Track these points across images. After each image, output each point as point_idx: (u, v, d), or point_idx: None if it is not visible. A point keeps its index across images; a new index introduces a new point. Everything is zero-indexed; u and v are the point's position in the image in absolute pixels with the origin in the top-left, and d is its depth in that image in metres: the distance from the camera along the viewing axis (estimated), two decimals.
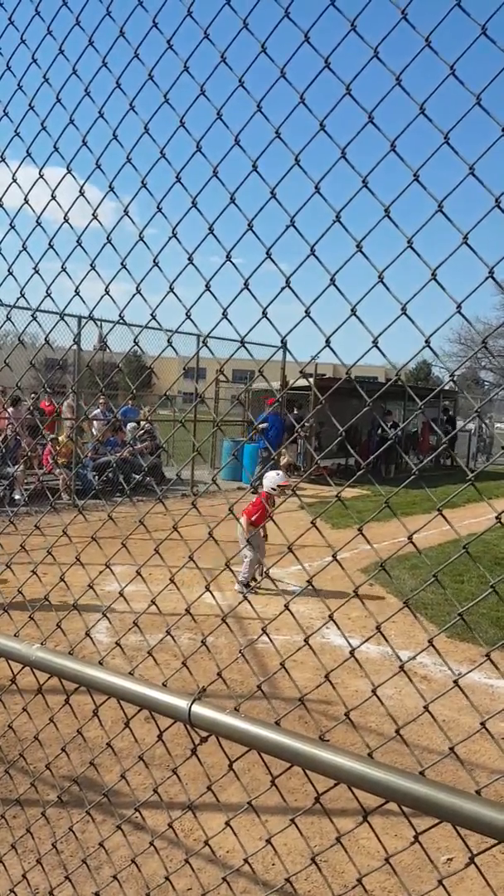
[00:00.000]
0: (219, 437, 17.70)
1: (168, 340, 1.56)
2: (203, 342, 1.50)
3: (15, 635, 1.83)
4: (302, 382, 18.49)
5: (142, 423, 15.26)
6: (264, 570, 7.95)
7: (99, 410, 15.13)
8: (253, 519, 7.88)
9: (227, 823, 1.54)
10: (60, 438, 13.90)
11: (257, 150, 1.46)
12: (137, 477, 13.92)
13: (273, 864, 3.42)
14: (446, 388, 25.37)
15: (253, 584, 8.07)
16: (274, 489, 7.98)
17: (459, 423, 27.48)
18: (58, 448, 13.12)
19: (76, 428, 14.00)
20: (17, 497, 11.77)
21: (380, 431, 20.11)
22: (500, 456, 1.18)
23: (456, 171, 1.20)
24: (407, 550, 9.56)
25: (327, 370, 21.96)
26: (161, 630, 1.68)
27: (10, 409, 11.99)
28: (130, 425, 15.61)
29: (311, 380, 15.48)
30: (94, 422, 15.24)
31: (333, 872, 3.39)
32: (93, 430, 15.59)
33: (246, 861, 1.55)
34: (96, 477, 13.22)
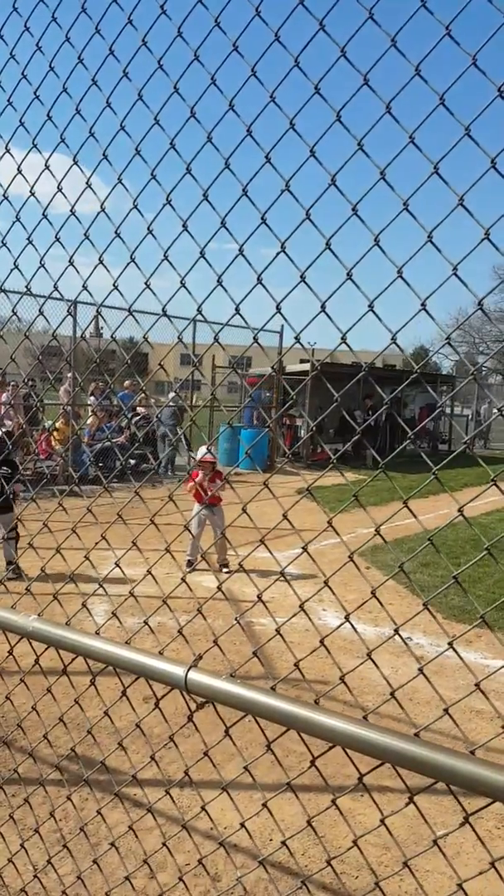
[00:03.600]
0: (216, 422, 17.71)
1: (163, 310, 1.55)
2: (198, 311, 1.49)
3: (13, 607, 1.84)
4: (298, 368, 18.47)
5: (139, 409, 15.27)
6: (223, 553, 8.03)
7: (93, 398, 15.14)
8: (192, 495, 7.98)
9: (224, 789, 1.55)
10: (57, 424, 13.92)
11: (268, 138, 1.45)
12: (133, 462, 13.97)
13: (271, 840, 3.45)
14: (443, 373, 25.34)
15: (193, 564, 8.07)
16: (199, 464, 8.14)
17: (458, 409, 27.52)
18: (55, 434, 13.13)
19: (72, 412, 13.99)
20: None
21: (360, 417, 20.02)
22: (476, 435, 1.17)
23: (452, 132, 1.19)
24: (403, 534, 9.59)
25: (324, 356, 21.92)
26: (160, 612, 1.70)
27: (5, 395, 11.98)
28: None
29: (306, 365, 15.45)
30: (90, 408, 15.26)
31: (332, 848, 3.42)
32: (89, 416, 15.62)
33: (243, 825, 1.57)
34: (93, 462, 13.23)
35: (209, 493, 7.45)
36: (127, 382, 15.54)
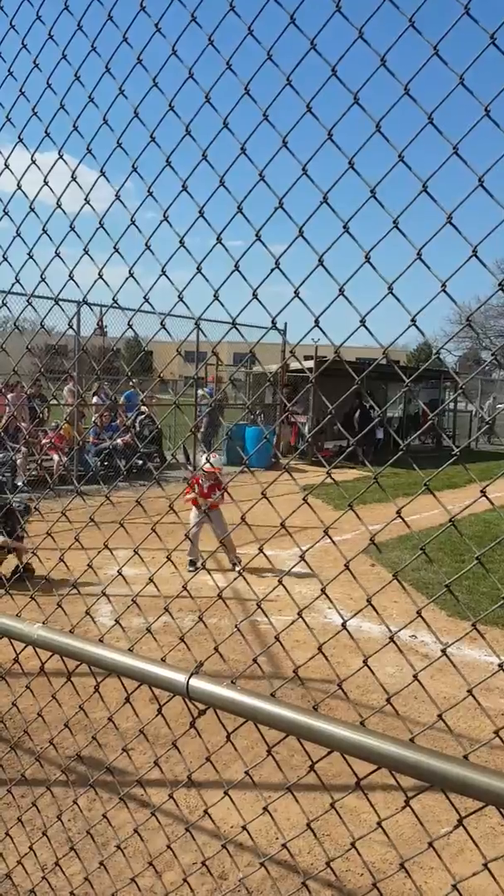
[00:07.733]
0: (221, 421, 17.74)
1: (161, 323, 1.58)
2: (196, 324, 1.52)
3: (17, 615, 1.87)
4: (300, 365, 18.46)
5: (142, 408, 15.33)
6: (231, 551, 8.06)
7: (97, 398, 15.18)
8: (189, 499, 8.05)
9: (226, 793, 1.59)
10: (63, 425, 13.96)
11: (247, 133, 1.48)
12: (140, 462, 14.01)
13: (277, 838, 3.48)
14: (443, 369, 25.30)
15: (199, 562, 8.08)
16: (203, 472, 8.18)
17: (461, 405, 27.50)
18: (61, 434, 13.18)
19: (77, 413, 14.03)
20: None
21: (357, 415, 19.96)
22: (480, 432, 1.20)
23: (440, 151, 1.22)
24: (405, 531, 9.61)
25: (328, 352, 21.92)
26: (165, 612, 1.72)
27: (10, 395, 12.03)
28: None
29: (311, 362, 15.48)
30: (95, 407, 15.32)
31: (336, 846, 3.45)
32: (93, 415, 15.69)
33: (244, 828, 1.60)
34: (98, 462, 13.28)
35: (208, 501, 7.53)
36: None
